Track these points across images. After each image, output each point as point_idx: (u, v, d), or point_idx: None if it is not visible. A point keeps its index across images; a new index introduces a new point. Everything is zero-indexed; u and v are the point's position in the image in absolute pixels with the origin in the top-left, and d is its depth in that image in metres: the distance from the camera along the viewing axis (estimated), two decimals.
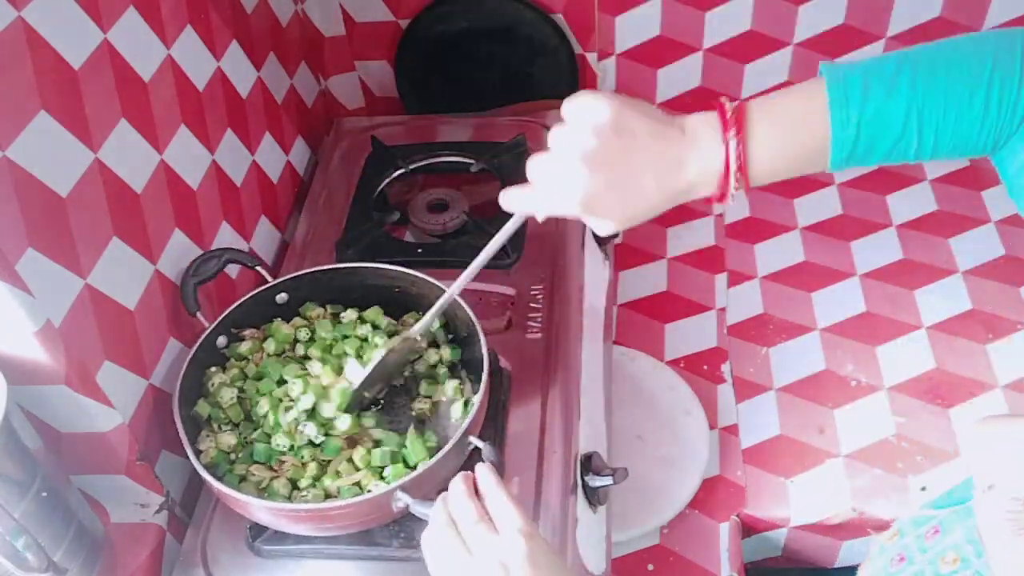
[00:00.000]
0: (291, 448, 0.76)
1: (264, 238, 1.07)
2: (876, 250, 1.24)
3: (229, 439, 0.77)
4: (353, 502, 0.69)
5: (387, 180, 1.13)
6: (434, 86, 1.35)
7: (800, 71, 1.37)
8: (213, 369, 0.81)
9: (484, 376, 0.76)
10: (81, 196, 0.72)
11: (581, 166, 0.57)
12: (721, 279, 1.22)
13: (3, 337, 0.65)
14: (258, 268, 0.89)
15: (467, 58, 1.32)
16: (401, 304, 0.88)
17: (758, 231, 1.29)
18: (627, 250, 1.27)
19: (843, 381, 1.09)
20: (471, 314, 0.80)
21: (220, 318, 0.82)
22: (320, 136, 1.27)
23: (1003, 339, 1.11)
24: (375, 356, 0.79)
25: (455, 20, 1.29)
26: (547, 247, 0.99)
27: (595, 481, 0.82)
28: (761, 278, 1.22)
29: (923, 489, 0.98)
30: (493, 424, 0.83)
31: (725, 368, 1.11)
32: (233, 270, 0.96)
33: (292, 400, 0.78)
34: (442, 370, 0.82)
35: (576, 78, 1.34)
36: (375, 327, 0.85)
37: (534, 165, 0.59)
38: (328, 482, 0.74)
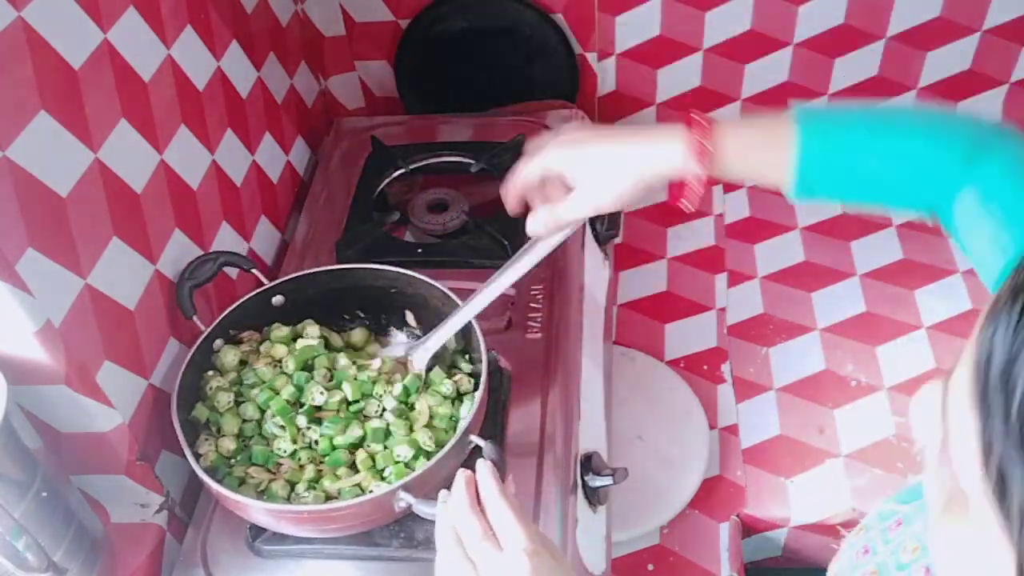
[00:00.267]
0: (292, 454, 0.76)
1: (264, 238, 1.07)
2: (876, 250, 1.24)
3: (229, 444, 0.76)
4: (355, 503, 0.69)
5: (387, 180, 1.13)
6: (434, 86, 1.35)
7: (800, 71, 1.37)
8: (211, 373, 0.81)
9: (484, 376, 0.76)
10: (81, 196, 0.72)
11: (561, 139, 0.70)
12: (721, 279, 1.22)
13: (3, 337, 0.65)
14: (254, 271, 0.89)
15: (467, 58, 1.32)
16: (399, 305, 0.88)
17: (758, 231, 1.29)
18: (627, 250, 1.27)
19: (843, 381, 1.09)
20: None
21: (216, 321, 0.82)
22: (320, 136, 1.27)
23: None
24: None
25: (455, 20, 1.29)
26: None
27: (595, 481, 0.82)
28: (761, 278, 1.22)
29: None
30: (493, 423, 0.83)
31: (725, 368, 1.11)
32: (233, 271, 0.96)
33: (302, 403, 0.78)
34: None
35: (576, 78, 1.34)
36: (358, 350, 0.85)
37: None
38: (328, 484, 0.74)
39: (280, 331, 0.84)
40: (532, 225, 0.72)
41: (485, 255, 0.99)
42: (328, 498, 0.73)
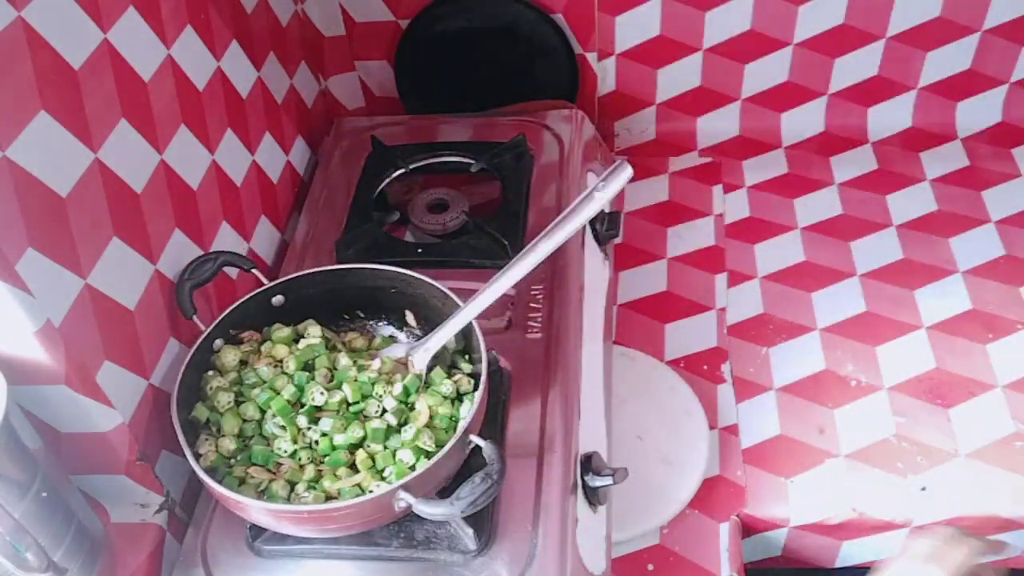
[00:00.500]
0: (292, 454, 0.76)
1: (264, 238, 1.07)
2: (876, 250, 1.24)
3: (229, 444, 0.76)
4: (355, 503, 0.69)
5: (387, 180, 1.13)
6: (434, 86, 1.35)
7: (800, 71, 1.37)
8: (211, 373, 0.81)
9: (484, 375, 0.76)
10: (81, 196, 0.72)
11: None
12: (721, 279, 1.22)
13: (3, 337, 0.65)
14: (254, 271, 0.89)
15: (467, 58, 1.32)
16: (399, 305, 0.88)
17: (758, 231, 1.29)
18: (627, 250, 1.27)
19: (843, 381, 1.09)
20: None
21: (216, 321, 0.82)
22: (320, 136, 1.27)
23: (1003, 339, 1.11)
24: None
25: (455, 20, 1.29)
26: None
27: (595, 481, 0.82)
28: (761, 278, 1.22)
29: (923, 489, 0.98)
30: (493, 424, 0.83)
31: (725, 368, 1.11)
32: (233, 271, 0.96)
33: (303, 404, 0.78)
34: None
35: (576, 78, 1.34)
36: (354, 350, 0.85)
37: None
38: (328, 484, 0.74)
39: (282, 331, 0.84)
40: None
41: (485, 255, 0.99)
42: (328, 498, 0.73)
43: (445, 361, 0.83)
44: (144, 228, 0.81)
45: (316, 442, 0.77)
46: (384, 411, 0.78)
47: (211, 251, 0.92)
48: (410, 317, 0.88)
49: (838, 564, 1.05)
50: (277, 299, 0.87)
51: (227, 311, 0.83)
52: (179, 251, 0.87)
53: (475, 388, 0.79)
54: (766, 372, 1.11)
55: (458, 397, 0.80)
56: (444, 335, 0.80)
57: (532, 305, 0.95)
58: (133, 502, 0.80)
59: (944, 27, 1.30)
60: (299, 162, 1.20)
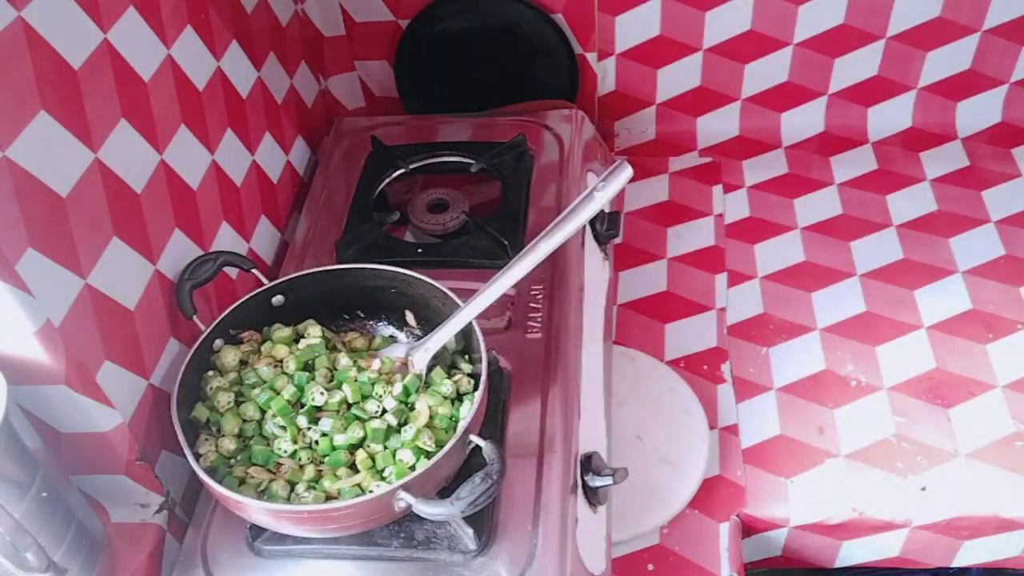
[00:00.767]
0: (292, 454, 0.76)
1: (264, 238, 1.07)
2: (876, 250, 1.24)
3: (229, 444, 0.76)
4: (355, 503, 0.69)
5: (387, 180, 1.13)
6: (434, 86, 1.35)
7: (800, 71, 1.37)
8: (211, 373, 0.81)
9: (484, 376, 0.76)
10: (81, 196, 0.72)
11: None
12: (721, 279, 1.22)
13: (3, 337, 0.65)
14: (253, 271, 0.89)
15: (467, 58, 1.32)
16: (399, 305, 0.88)
17: (758, 231, 1.29)
18: (627, 250, 1.27)
19: (843, 381, 1.09)
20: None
21: (216, 321, 0.82)
22: (320, 136, 1.27)
23: (1003, 339, 1.11)
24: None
25: (455, 20, 1.29)
26: None
27: (595, 481, 0.82)
28: (761, 278, 1.22)
29: (923, 489, 0.98)
30: (493, 424, 0.83)
31: (725, 368, 1.11)
32: (233, 271, 0.96)
33: (303, 403, 0.78)
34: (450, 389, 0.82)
35: (576, 78, 1.34)
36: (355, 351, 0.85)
37: None
38: (328, 484, 0.74)
39: (282, 332, 0.84)
40: None
41: (485, 255, 0.99)
42: (328, 498, 0.73)
43: (445, 361, 0.83)
44: (144, 228, 0.81)
45: (316, 442, 0.77)
46: (384, 411, 0.78)
47: (211, 251, 0.92)
48: (410, 317, 0.88)
49: (838, 564, 1.05)
50: (277, 299, 0.87)
51: (227, 311, 0.83)
52: (179, 251, 0.87)
53: (475, 388, 0.79)
54: (766, 372, 1.11)
55: (458, 397, 0.80)
56: (444, 335, 0.80)
57: (532, 305, 0.95)
58: (133, 502, 0.80)
59: (944, 27, 1.30)
60: (299, 162, 1.20)
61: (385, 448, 0.76)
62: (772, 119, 1.43)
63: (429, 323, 0.85)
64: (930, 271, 1.20)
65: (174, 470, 0.83)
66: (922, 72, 1.36)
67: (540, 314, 0.93)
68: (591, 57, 1.32)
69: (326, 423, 0.76)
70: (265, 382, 0.80)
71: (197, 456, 0.75)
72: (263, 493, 0.74)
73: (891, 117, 1.41)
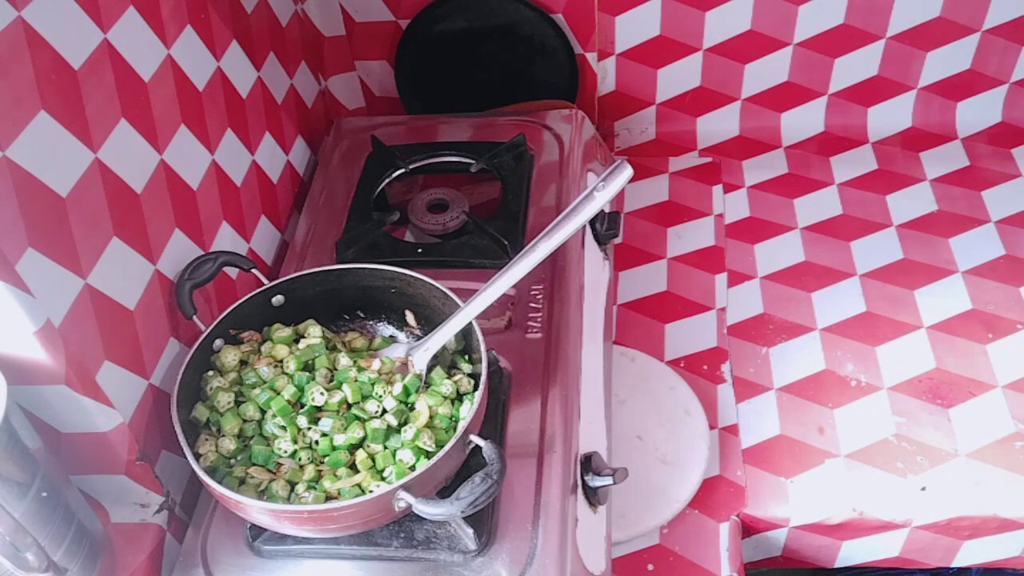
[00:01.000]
0: (292, 454, 0.76)
1: (264, 238, 1.07)
2: (876, 250, 1.24)
3: (229, 444, 0.76)
4: (355, 503, 0.69)
5: (387, 180, 1.13)
6: (434, 86, 1.35)
7: (800, 71, 1.37)
8: (211, 373, 0.81)
9: (484, 376, 0.76)
10: (81, 196, 0.72)
11: None
12: (721, 279, 1.22)
13: (3, 337, 0.65)
14: (254, 271, 0.89)
15: (467, 58, 1.32)
16: (399, 305, 0.88)
17: (758, 231, 1.29)
18: (627, 250, 1.27)
19: (843, 381, 1.09)
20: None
21: (216, 322, 0.82)
22: (320, 136, 1.27)
23: (1003, 339, 1.11)
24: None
25: (455, 20, 1.29)
26: None
27: (595, 481, 0.82)
28: (761, 278, 1.22)
29: (923, 489, 0.98)
30: (493, 424, 0.83)
31: (725, 368, 1.11)
32: (233, 271, 0.96)
33: (303, 404, 0.78)
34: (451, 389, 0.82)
35: (576, 78, 1.34)
36: (355, 351, 0.85)
37: None
38: (328, 484, 0.74)
39: (282, 332, 0.84)
40: None
41: (485, 255, 0.99)
42: (328, 498, 0.73)
43: (445, 361, 0.83)
44: (144, 228, 0.81)
45: (316, 442, 0.77)
46: (384, 411, 0.78)
47: (211, 251, 0.92)
48: (410, 317, 0.88)
49: (838, 564, 1.05)
50: (277, 299, 0.87)
51: (227, 311, 0.83)
52: (179, 251, 0.87)
53: (475, 388, 0.79)
54: (766, 372, 1.11)
55: (458, 397, 0.80)
56: (444, 335, 0.80)
57: (532, 305, 0.95)
58: (133, 502, 0.80)
59: (944, 27, 1.30)
60: (299, 162, 1.20)
61: (385, 448, 0.76)
62: (772, 119, 1.43)
63: (429, 323, 0.85)
64: (930, 271, 1.20)
65: (174, 470, 0.83)
66: (922, 72, 1.36)
67: (540, 314, 0.93)
68: (591, 57, 1.32)
69: (326, 423, 0.76)
70: (265, 382, 0.80)
71: (197, 456, 0.75)
72: (263, 493, 0.74)
73: (891, 117, 1.41)
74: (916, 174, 1.35)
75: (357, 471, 0.74)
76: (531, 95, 1.33)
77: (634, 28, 1.32)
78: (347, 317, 0.90)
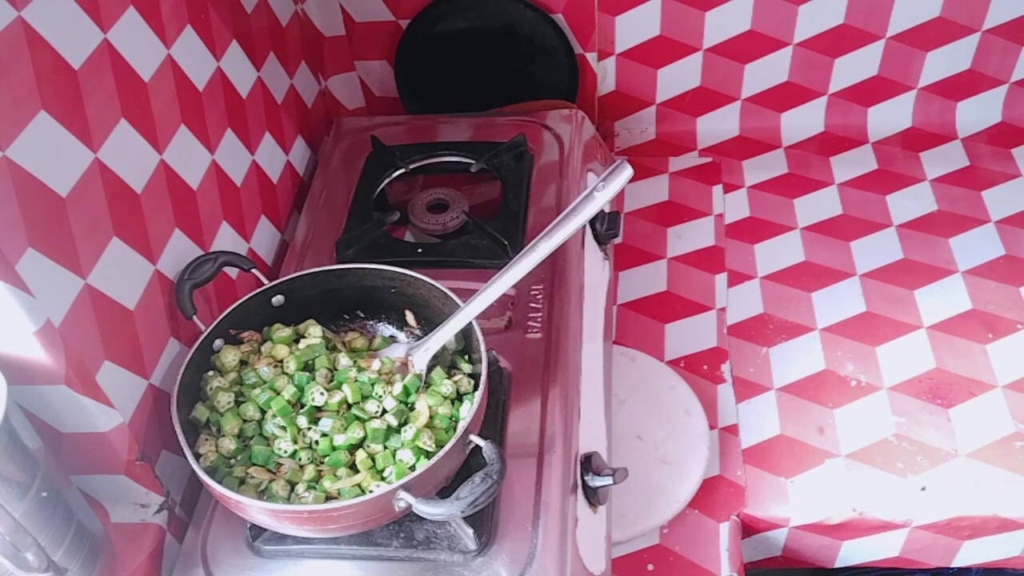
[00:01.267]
0: (292, 454, 0.76)
1: (264, 238, 1.07)
2: (876, 250, 1.24)
3: (229, 444, 0.76)
4: (355, 503, 0.69)
5: (387, 180, 1.13)
6: (434, 86, 1.35)
7: (800, 71, 1.37)
8: (211, 373, 0.81)
9: (484, 376, 0.76)
10: (81, 196, 0.72)
11: None
12: (721, 279, 1.22)
13: (3, 337, 0.65)
14: (254, 271, 0.89)
15: (467, 58, 1.32)
16: (399, 305, 0.88)
17: (758, 231, 1.29)
18: (627, 250, 1.27)
19: (843, 381, 1.09)
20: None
21: (216, 322, 0.82)
22: (320, 136, 1.27)
23: (1003, 339, 1.11)
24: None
25: (455, 20, 1.29)
26: None
27: (595, 481, 0.82)
28: (761, 278, 1.22)
29: (923, 489, 0.98)
30: (493, 424, 0.83)
31: (725, 368, 1.11)
32: (233, 271, 0.96)
33: (303, 404, 0.78)
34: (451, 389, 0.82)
35: (576, 78, 1.34)
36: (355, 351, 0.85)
37: None
38: (328, 484, 0.74)
39: (282, 332, 0.84)
40: None
41: (485, 255, 0.99)
42: (328, 498, 0.73)
43: (445, 361, 0.83)
44: (144, 228, 0.81)
45: (316, 442, 0.77)
46: (384, 411, 0.78)
47: (211, 251, 0.92)
48: (410, 317, 0.88)
49: (838, 564, 1.05)
50: (277, 299, 0.87)
51: (227, 311, 0.83)
52: (179, 251, 0.87)
53: (475, 388, 0.79)
54: (766, 372, 1.11)
55: (458, 397, 0.80)
56: (444, 335, 0.80)
57: (532, 305, 0.95)
58: (133, 502, 0.80)
59: (944, 27, 1.30)
60: (299, 162, 1.20)
61: (385, 448, 0.76)
62: (772, 119, 1.43)
63: (429, 323, 0.85)
64: (930, 271, 1.20)
65: (174, 470, 0.83)
66: (922, 72, 1.36)
67: (540, 314, 0.93)
68: (591, 57, 1.32)
69: (326, 423, 0.76)
70: (265, 382, 0.80)
71: (197, 456, 0.75)
72: (263, 493, 0.74)
73: (891, 117, 1.41)
74: (916, 174, 1.35)
75: (357, 471, 0.74)
76: (531, 95, 1.33)
77: (634, 28, 1.32)
78: (347, 317, 0.90)
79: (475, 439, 0.73)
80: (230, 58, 1.00)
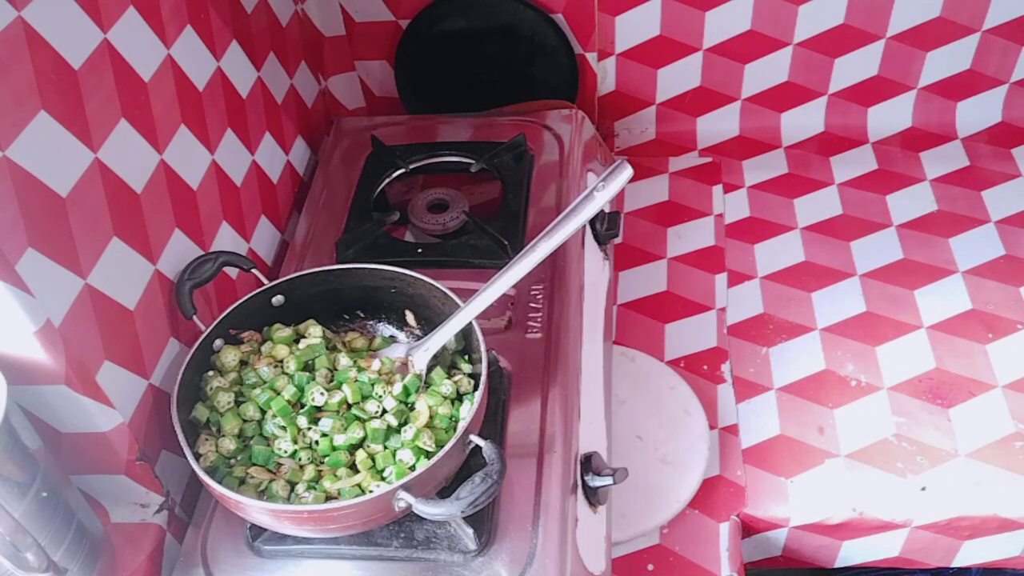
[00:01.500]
0: (292, 454, 0.76)
1: (264, 238, 1.07)
2: (876, 250, 1.24)
3: (229, 444, 0.76)
4: (355, 503, 0.69)
5: (387, 180, 1.13)
6: (434, 86, 1.35)
7: (800, 71, 1.37)
8: (211, 373, 0.81)
9: (484, 376, 0.76)
10: (81, 196, 0.72)
11: None
12: (721, 279, 1.22)
13: (3, 337, 0.65)
14: (254, 271, 0.89)
15: (467, 58, 1.32)
16: (399, 305, 0.88)
17: (758, 231, 1.29)
18: (627, 250, 1.27)
19: (843, 381, 1.09)
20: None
21: (216, 321, 0.82)
22: (320, 136, 1.27)
23: (1003, 339, 1.11)
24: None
25: (455, 20, 1.29)
26: None
27: (595, 481, 0.82)
28: (761, 278, 1.22)
29: (923, 489, 0.98)
30: (493, 424, 0.83)
31: (725, 368, 1.11)
32: (233, 271, 0.96)
33: (303, 404, 0.78)
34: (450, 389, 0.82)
35: (576, 78, 1.34)
36: (355, 351, 0.85)
37: None
38: (328, 484, 0.74)
39: (282, 332, 0.84)
40: None
41: (485, 255, 0.99)
42: (328, 498, 0.73)
43: (445, 361, 0.83)
44: (144, 228, 0.81)
45: (316, 442, 0.77)
46: (384, 411, 0.78)
47: (211, 251, 0.92)
48: (410, 317, 0.88)
49: (838, 564, 1.05)
50: (277, 299, 0.87)
51: (227, 311, 0.83)
52: (179, 251, 0.87)
53: (475, 388, 0.79)
54: (766, 372, 1.11)
55: (458, 397, 0.80)
56: (444, 335, 0.80)
57: (532, 305, 0.95)
58: (133, 502, 0.80)
59: (944, 27, 1.30)
60: (299, 162, 1.20)
61: (385, 448, 0.76)
62: (772, 119, 1.43)
63: (429, 323, 0.85)
64: (930, 271, 1.20)
65: (174, 470, 0.83)
66: (922, 72, 1.36)
67: (540, 314, 0.93)
68: (591, 57, 1.32)
69: (326, 423, 0.76)
70: (265, 382, 0.80)
71: (197, 456, 0.75)
72: (263, 493, 0.74)
73: (891, 117, 1.41)
74: (916, 174, 1.35)
75: (357, 471, 0.74)
76: (531, 95, 1.33)
77: (634, 28, 1.32)
78: (347, 317, 0.90)
79: (475, 439, 0.73)
80: (230, 58, 1.00)
